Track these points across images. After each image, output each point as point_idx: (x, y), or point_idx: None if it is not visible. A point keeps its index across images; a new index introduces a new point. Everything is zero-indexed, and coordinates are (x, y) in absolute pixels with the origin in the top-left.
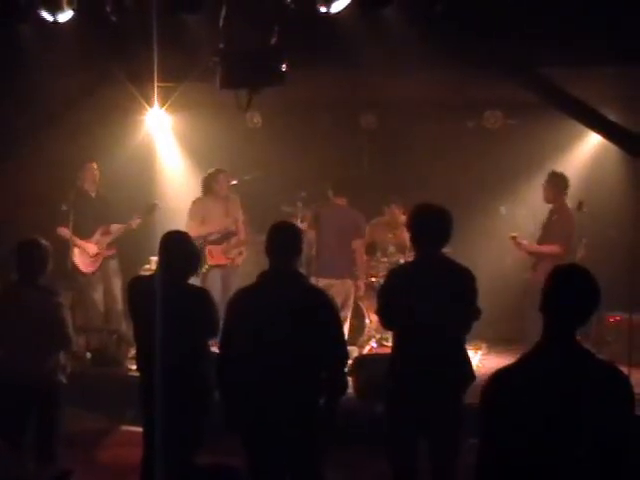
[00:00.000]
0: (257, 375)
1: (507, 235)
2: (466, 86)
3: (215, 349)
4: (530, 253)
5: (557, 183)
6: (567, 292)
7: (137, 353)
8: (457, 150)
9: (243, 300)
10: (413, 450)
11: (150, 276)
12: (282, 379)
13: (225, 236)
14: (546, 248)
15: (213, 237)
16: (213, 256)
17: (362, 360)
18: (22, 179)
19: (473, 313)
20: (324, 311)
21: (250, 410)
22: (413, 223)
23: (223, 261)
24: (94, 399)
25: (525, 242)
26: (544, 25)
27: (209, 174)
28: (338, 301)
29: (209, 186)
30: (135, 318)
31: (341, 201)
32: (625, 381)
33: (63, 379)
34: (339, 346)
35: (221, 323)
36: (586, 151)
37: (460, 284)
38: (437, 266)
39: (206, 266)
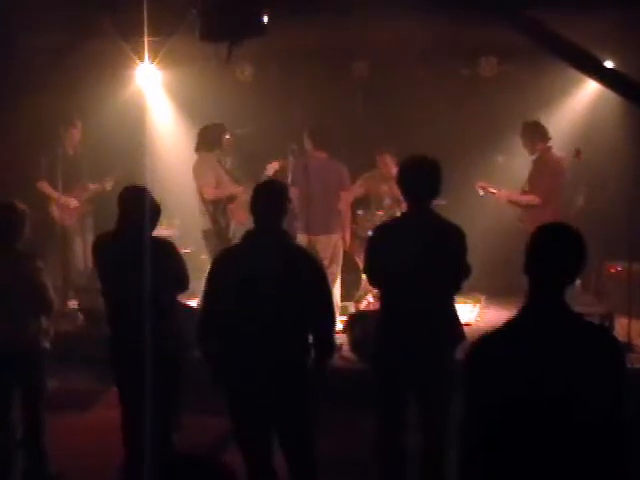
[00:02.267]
0: (242, 334)
1: (505, 185)
2: (458, 31)
3: (190, 302)
4: (509, 202)
5: (531, 133)
6: (551, 252)
7: (106, 311)
8: (452, 98)
9: (227, 260)
10: (401, 404)
11: (113, 232)
12: (267, 338)
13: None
14: (524, 197)
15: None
16: (234, 216)
17: (357, 316)
18: (6, 134)
19: (462, 271)
20: (310, 271)
21: (235, 370)
22: (402, 177)
23: (245, 219)
24: (88, 360)
25: (502, 191)
26: None
27: (214, 127)
28: (325, 256)
29: (216, 141)
30: (102, 276)
31: (321, 154)
32: (616, 344)
33: (46, 344)
34: (326, 306)
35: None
36: (585, 97)
37: (448, 241)
38: (424, 222)
39: (232, 228)
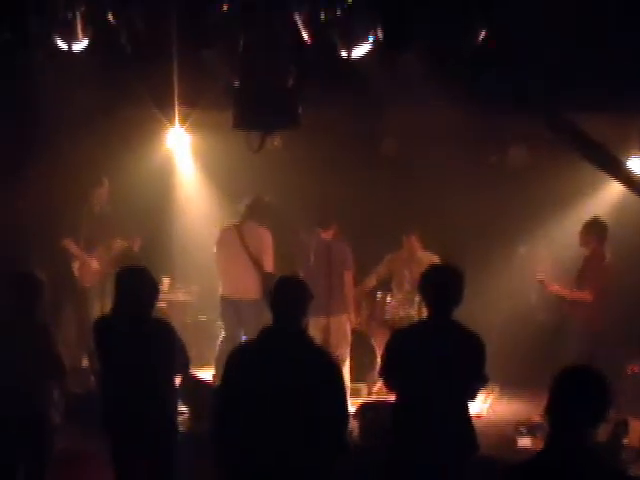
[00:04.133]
0: (256, 435)
1: (525, 276)
2: (489, 118)
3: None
4: (559, 297)
5: (593, 230)
6: (574, 399)
7: (102, 392)
8: (478, 184)
9: (244, 356)
10: None
11: (112, 314)
12: (281, 440)
13: None
14: (577, 294)
15: None
16: None
17: (369, 407)
18: (36, 190)
19: (479, 380)
20: (327, 374)
21: (247, 470)
22: (424, 284)
23: None
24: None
25: (555, 286)
26: (569, 68)
27: (267, 204)
28: (335, 338)
29: (265, 216)
30: (101, 358)
31: (327, 234)
32: None
33: (57, 415)
34: (340, 410)
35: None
36: (611, 194)
37: (468, 351)
38: (446, 331)
39: None
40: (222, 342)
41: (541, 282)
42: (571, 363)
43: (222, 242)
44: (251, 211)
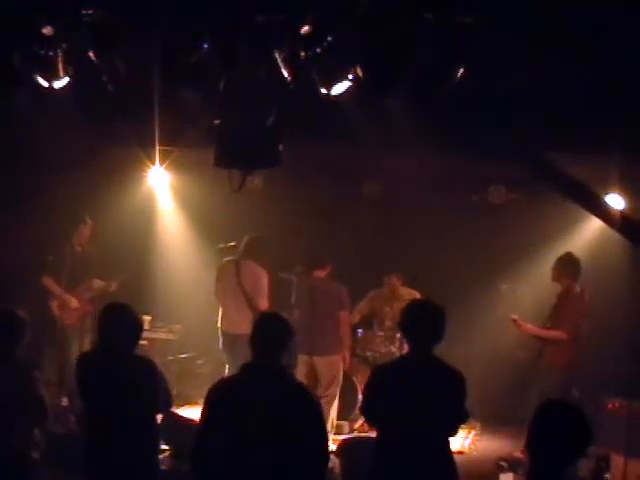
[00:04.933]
0: (234, 472)
1: (506, 314)
2: (470, 162)
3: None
4: (533, 336)
5: (565, 266)
6: (554, 434)
7: (87, 433)
8: (460, 223)
9: (223, 393)
10: None
11: (94, 351)
12: (260, 477)
13: None
14: (551, 333)
15: None
16: None
17: (350, 443)
18: (17, 228)
19: (460, 416)
20: (306, 413)
21: None
22: (405, 320)
23: None
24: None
25: (528, 325)
26: (548, 111)
27: (267, 242)
28: (325, 378)
29: (264, 254)
30: (83, 395)
31: (320, 273)
32: None
33: (37, 455)
34: (320, 449)
35: None
36: (590, 231)
37: (449, 387)
38: (426, 367)
39: None
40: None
41: (514, 322)
42: (546, 399)
43: (220, 277)
44: (249, 249)
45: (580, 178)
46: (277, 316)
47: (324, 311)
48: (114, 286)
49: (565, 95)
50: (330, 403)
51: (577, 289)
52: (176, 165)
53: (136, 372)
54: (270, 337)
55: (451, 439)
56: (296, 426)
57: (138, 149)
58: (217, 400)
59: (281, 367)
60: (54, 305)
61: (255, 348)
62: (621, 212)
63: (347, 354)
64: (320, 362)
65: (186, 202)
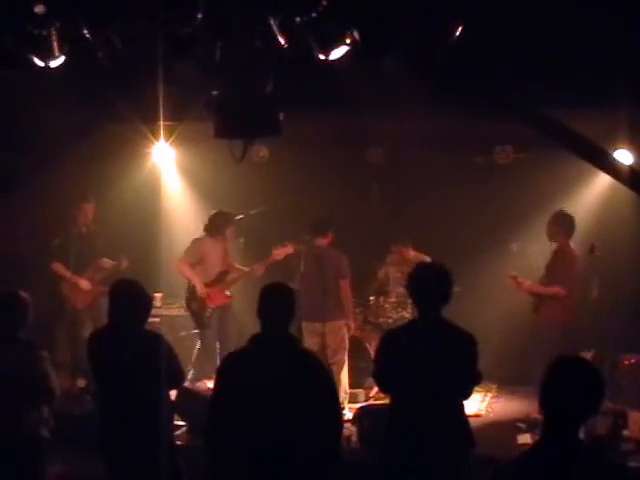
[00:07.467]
0: (248, 442)
1: (519, 272)
2: (473, 120)
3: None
4: (531, 293)
5: (558, 223)
6: (566, 391)
7: (99, 404)
8: (467, 185)
9: (234, 365)
10: None
11: (106, 328)
12: (274, 447)
13: (219, 277)
14: (548, 289)
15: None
16: (212, 298)
17: (366, 410)
18: (22, 213)
19: (473, 378)
20: (316, 378)
21: (241, 475)
22: (412, 284)
23: (223, 301)
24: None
25: (527, 282)
26: (549, 65)
27: (224, 216)
28: (333, 343)
29: (221, 229)
30: (95, 373)
31: (321, 242)
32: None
33: (46, 433)
34: (332, 414)
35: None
36: (599, 188)
37: (459, 349)
38: (435, 330)
39: (209, 309)
40: None
41: (513, 279)
42: (545, 356)
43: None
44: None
45: (588, 135)
46: (280, 285)
47: (325, 278)
48: (125, 263)
49: (567, 50)
50: (340, 369)
51: (571, 245)
52: (180, 140)
53: (147, 348)
54: (278, 307)
55: (467, 402)
56: (309, 393)
57: (142, 125)
58: (229, 372)
59: (290, 336)
60: (64, 288)
61: (264, 320)
62: (630, 167)
63: (351, 322)
64: (325, 328)
65: (191, 176)
